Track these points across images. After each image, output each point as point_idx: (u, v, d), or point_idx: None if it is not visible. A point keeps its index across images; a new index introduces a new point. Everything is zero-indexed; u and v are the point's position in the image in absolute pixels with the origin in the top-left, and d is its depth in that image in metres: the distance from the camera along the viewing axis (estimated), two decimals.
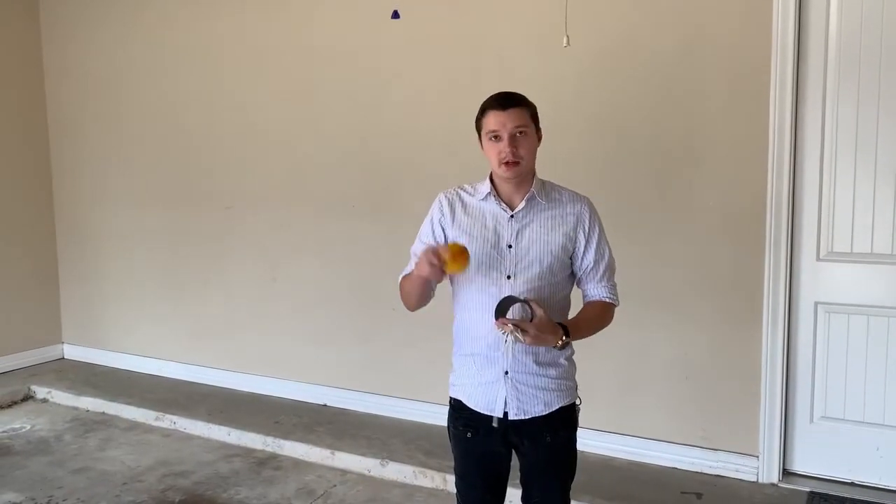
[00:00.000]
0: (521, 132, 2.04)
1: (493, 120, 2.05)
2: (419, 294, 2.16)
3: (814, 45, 3.14)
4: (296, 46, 4.36)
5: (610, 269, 2.18)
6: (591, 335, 2.14)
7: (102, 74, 5.20)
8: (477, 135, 2.14)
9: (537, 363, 2.08)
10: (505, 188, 2.13)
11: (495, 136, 2.05)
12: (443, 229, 2.18)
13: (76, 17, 5.26)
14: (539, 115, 2.13)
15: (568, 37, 2.90)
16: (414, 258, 2.22)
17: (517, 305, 1.99)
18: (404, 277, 2.23)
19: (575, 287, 2.21)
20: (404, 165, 4.07)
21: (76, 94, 5.36)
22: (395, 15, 3.78)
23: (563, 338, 2.00)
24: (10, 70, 5.28)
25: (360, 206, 4.25)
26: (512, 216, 2.10)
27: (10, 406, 4.77)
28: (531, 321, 1.95)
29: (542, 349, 2.06)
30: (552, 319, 1.99)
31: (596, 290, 2.17)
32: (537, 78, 3.57)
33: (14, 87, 5.31)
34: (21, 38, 5.35)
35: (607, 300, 2.16)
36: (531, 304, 1.97)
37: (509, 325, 1.91)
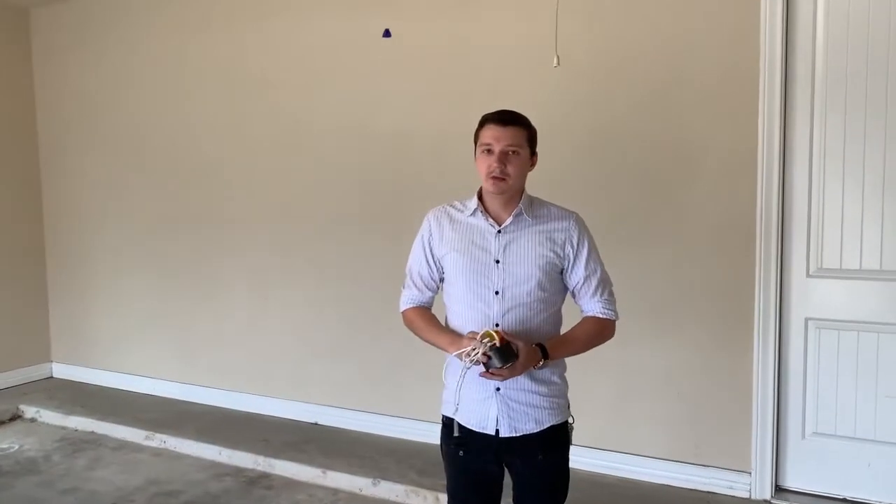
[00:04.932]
0: (513, 151, 2.06)
1: (488, 133, 2.08)
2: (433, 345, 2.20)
3: (801, 63, 3.17)
4: (289, 66, 4.38)
5: (603, 283, 2.17)
6: (583, 351, 2.15)
7: (93, 96, 5.21)
8: (473, 146, 2.16)
9: (531, 379, 2.08)
10: (493, 204, 2.14)
11: (488, 150, 2.07)
12: (431, 248, 2.20)
13: (67, 41, 5.29)
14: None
15: (558, 56, 2.92)
16: (409, 278, 2.26)
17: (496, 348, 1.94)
18: (420, 316, 2.23)
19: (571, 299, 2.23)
20: (396, 184, 4.08)
21: (67, 114, 5.36)
22: (387, 34, 3.80)
23: (541, 362, 2.02)
24: (0, 91, 5.28)
25: (352, 225, 4.25)
26: (499, 231, 2.11)
27: None
28: (507, 363, 1.93)
29: None
30: (530, 346, 1.99)
31: (590, 306, 2.17)
32: (528, 95, 3.59)
33: (5, 107, 5.32)
34: (12, 60, 5.36)
35: (601, 315, 2.16)
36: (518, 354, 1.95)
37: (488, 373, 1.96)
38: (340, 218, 4.28)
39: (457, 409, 2.11)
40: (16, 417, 4.88)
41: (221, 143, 4.68)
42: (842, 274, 3.18)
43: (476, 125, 2.16)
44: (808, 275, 3.24)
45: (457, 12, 3.84)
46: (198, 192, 4.81)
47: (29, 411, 4.89)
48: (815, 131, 3.17)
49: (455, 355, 1.99)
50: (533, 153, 2.14)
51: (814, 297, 3.24)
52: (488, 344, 1.92)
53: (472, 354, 1.93)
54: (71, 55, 5.29)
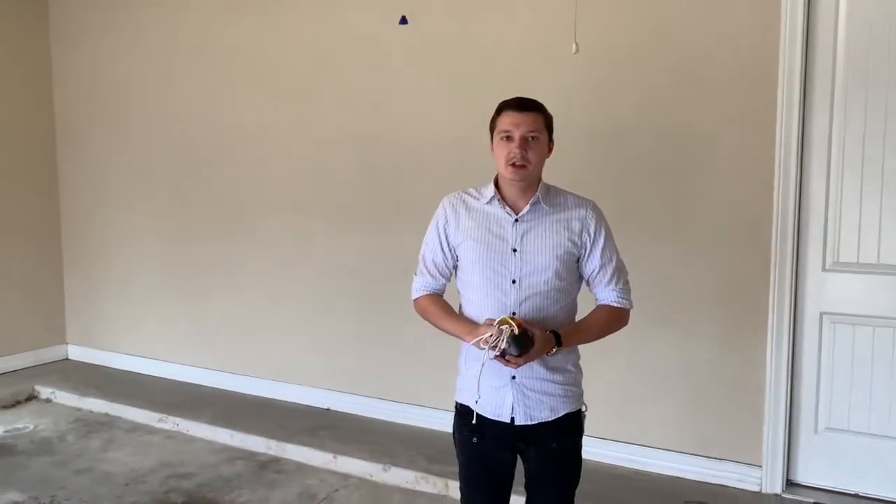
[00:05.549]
0: (532, 136, 2.05)
1: (507, 120, 2.07)
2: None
3: (821, 56, 3.14)
4: (301, 52, 4.37)
5: (619, 272, 2.17)
6: (596, 339, 2.16)
7: (110, 80, 5.22)
8: (489, 135, 2.15)
9: (546, 368, 2.08)
10: (510, 192, 2.13)
11: (507, 137, 2.06)
12: (446, 235, 2.19)
13: (85, 25, 5.29)
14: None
15: (577, 44, 2.90)
16: (422, 265, 2.25)
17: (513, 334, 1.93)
18: (434, 304, 2.22)
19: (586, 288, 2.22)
20: (408, 172, 4.08)
21: (84, 99, 5.38)
22: (403, 20, 3.78)
23: (554, 348, 2.01)
24: (19, 75, 5.31)
25: (364, 212, 4.25)
26: (517, 220, 2.10)
27: (13, 406, 4.78)
28: (524, 351, 1.93)
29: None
30: (544, 333, 1.99)
31: (604, 295, 2.17)
32: (543, 85, 3.55)
33: (23, 92, 5.34)
34: (30, 45, 5.38)
35: (615, 304, 2.16)
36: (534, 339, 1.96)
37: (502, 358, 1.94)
38: (354, 208, 4.28)
39: (478, 400, 2.10)
40: (31, 398, 4.93)
41: (236, 129, 4.68)
42: (858, 268, 3.16)
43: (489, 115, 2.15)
44: (823, 269, 3.22)
45: (469, 5, 3.81)
46: (214, 178, 4.81)
47: (44, 392, 4.94)
48: (834, 124, 3.14)
49: (473, 343, 1.98)
50: (550, 139, 2.13)
51: (829, 292, 3.22)
52: (506, 331, 1.90)
53: (491, 342, 1.91)
54: (89, 36, 5.28)
